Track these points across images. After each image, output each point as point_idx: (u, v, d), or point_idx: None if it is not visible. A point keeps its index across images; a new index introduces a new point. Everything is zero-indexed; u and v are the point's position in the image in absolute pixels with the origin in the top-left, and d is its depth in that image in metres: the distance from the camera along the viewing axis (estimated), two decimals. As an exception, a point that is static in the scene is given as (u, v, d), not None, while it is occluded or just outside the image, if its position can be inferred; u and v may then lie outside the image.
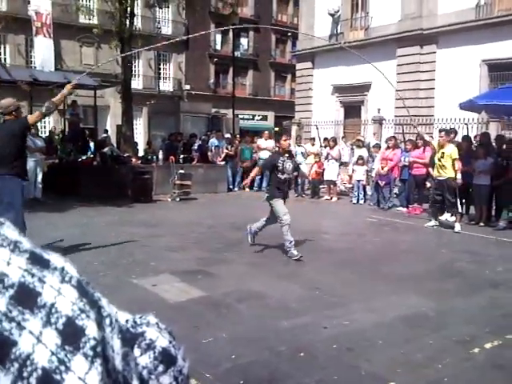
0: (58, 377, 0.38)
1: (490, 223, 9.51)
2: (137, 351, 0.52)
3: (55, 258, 0.45)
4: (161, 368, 0.53)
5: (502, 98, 9.51)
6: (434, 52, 18.06)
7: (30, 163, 9.33)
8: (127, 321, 0.54)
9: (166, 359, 0.54)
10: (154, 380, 0.53)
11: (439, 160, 9.03)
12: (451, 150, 8.96)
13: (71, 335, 0.41)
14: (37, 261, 0.43)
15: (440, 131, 9.97)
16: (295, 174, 13.89)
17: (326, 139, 14.85)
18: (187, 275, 5.60)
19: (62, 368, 0.39)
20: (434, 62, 18.06)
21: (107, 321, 0.46)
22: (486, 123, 14.69)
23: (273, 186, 6.98)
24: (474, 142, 11.15)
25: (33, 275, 0.42)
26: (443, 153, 8.95)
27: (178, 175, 12.44)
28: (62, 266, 0.44)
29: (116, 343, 0.46)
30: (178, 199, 12.18)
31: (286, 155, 6.94)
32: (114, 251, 6.58)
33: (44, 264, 0.43)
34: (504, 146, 10.02)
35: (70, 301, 0.42)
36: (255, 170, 8.35)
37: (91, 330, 0.42)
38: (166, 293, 4.97)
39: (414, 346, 3.82)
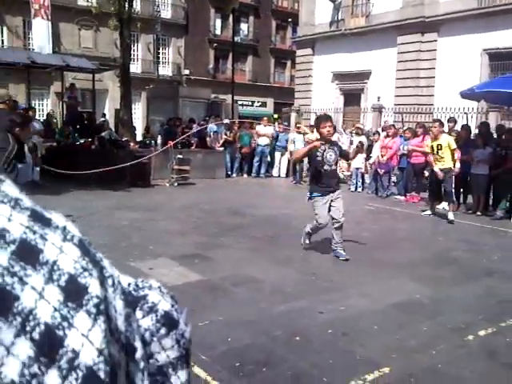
0: (60, 333, 0.39)
1: (487, 213, 9.54)
2: (139, 313, 0.53)
3: (56, 217, 0.45)
4: (163, 331, 0.54)
5: (502, 87, 9.46)
6: (435, 40, 17.96)
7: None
8: (129, 284, 0.54)
9: (168, 322, 0.54)
10: (157, 342, 0.53)
11: (436, 153, 8.75)
12: (447, 141, 8.73)
13: (74, 292, 0.40)
14: (38, 219, 0.43)
15: (434, 121, 9.60)
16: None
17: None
18: (185, 259, 5.62)
19: (65, 324, 0.39)
20: (435, 50, 17.97)
21: (109, 281, 0.45)
22: (486, 113, 14.68)
23: (313, 181, 6.16)
24: (473, 131, 11.14)
25: (34, 232, 0.41)
26: (439, 145, 8.66)
27: (176, 160, 12.42)
28: (64, 225, 0.44)
29: (118, 304, 0.46)
30: (176, 184, 12.17)
31: (327, 144, 6.03)
32: (112, 235, 6.59)
33: (45, 222, 0.43)
34: (503, 136, 10.02)
35: (72, 259, 0.42)
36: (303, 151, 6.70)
37: (94, 287, 0.42)
38: (164, 276, 4.98)
39: (408, 332, 3.85)
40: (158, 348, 0.53)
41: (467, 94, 9.96)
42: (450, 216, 8.73)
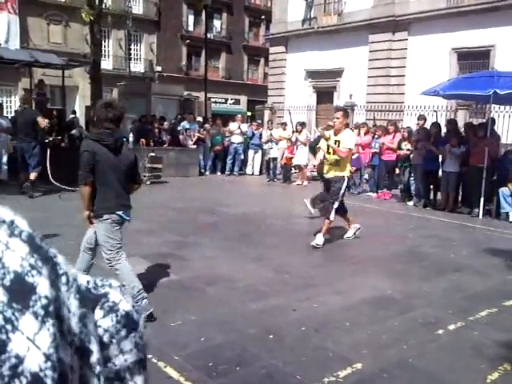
0: (3, 336, 0.36)
1: (456, 209, 9.74)
2: (99, 313, 0.50)
3: (3, 211, 0.42)
4: (123, 332, 0.51)
5: (466, 88, 9.63)
6: (406, 39, 18.21)
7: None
8: (88, 281, 0.51)
9: (129, 324, 0.52)
10: (115, 345, 0.50)
11: (329, 153, 6.66)
12: (348, 137, 6.66)
13: (20, 292, 0.38)
14: None
15: (336, 110, 7.30)
16: (273, 156, 13.99)
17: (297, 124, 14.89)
18: (156, 258, 5.56)
19: (9, 327, 0.36)
20: (406, 49, 18.22)
21: (63, 279, 0.43)
22: (455, 111, 14.97)
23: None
24: (443, 129, 11.34)
25: None
26: (338, 141, 6.57)
27: (148, 158, 12.28)
28: (12, 220, 0.41)
29: (73, 303, 0.43)
30: (148, 182, 12.03)
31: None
32: (81, 235, 6.45)
33: None
34: (464, 133, 10.23)
35: (19, 256, 0.39)
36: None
37: (43, 287, 0.39)
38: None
39: (380, 328, 3.90)
40: (117, 351, 0.51)
41: (429, 94, 10.12)
42: (319, 240, 6.41)
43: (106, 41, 29.17)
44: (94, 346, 0.45)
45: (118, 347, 0.51)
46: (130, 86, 20.19)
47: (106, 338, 0.50)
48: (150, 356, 3.24)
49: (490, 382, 3.11)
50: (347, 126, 7.11)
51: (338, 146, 6.57)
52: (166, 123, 14.73)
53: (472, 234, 7.97)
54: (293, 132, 15.06)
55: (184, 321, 3.86)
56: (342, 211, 6.96)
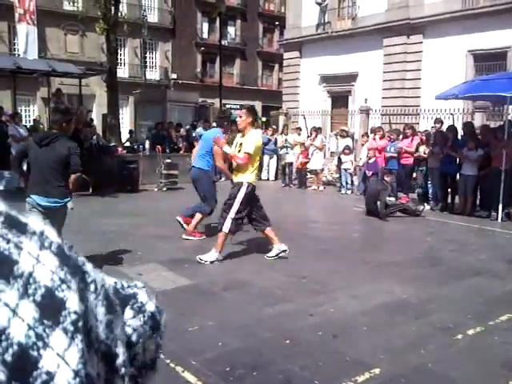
0: (35, 353, 0.36)
1: (475, 213, 9.62)
2: (129, 312, 0.52)
3: (33, 222, 0.41)
4: (149, 332, 0.53)
5: (483, 90, 9.53)
6: (421, 42, 18.11)
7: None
8: (116, 282, 0.53)
9: (153, 324, 0.54)
10: (141, 344, 0.52)
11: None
12: (249, 140, 5.82)
13: (50, 308, 0.38)
14: (13, 224, 0.40)
15: (242, 109, 6.33)
16: (289, 161, 14.00)
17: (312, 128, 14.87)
18: (174, 264, 5.60)
19: (40, 344, 0.36)
20: (421, 52, 18.12)
21: (92, 287, 0.43)
22: (472, 113, 14.83)
23: None
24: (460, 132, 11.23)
25: (8, 241, 0.38)
26: (241, 144, 5.91)
27: (164, 165, 12.38)
28: (41, 230, 0.41)
29: (100, 311, 0.44)
30: (164, 189, 12.14)
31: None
32: (100, 241, 6.54)
33: (21, 228, 0.40)
34: (480, 136, 10.09)
35: (49, 270, 0.39)
36: None
37: (72, 302, 0.39)
38: (153, 281, 4.95)
39: (397, 333, 3.87)
40: (142, 350, 0.53)
41: (446, 97, 10.03)
42: (209, 256, 5.68)
43: (122, 49, 29.51)
44: (120, 349, 0.47)
45: (144, 346, 0.53)
46: (145, 93, 20.42)
47: (134, 338, 0.51)
48: (168, 361, 3.28)
49: (510, 388, 3.07)
50: (253, 125, 6.06)
51: (240, 151, 5.82)
52: (182, 130, 14.86)
53: (491, 238, 7.86)
54: (307, 137, 15.07)
55: (201, 326, 3.88)
56: (256, 224, 6.05)
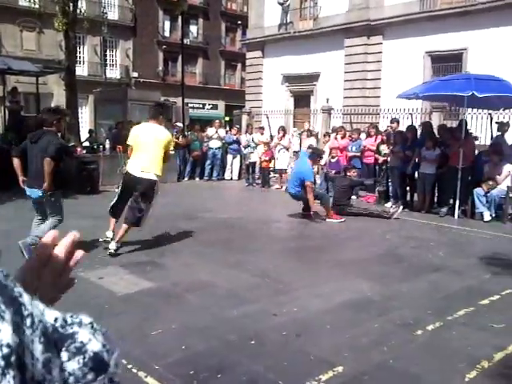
0: None
1: (432, 210, 9.88)
2: (64, 355, 0.47)
3: None
4: (90, 376, 0.48)
5: (443, 90, 9.79)
6: (381, 43, 18.47)
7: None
8: (56, 319, 0.48)
9: (97, 366, 0.49)
10: None
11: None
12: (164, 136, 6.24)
13: None
14: None
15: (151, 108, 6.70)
16: (253, 161, 14.05)
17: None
18: (136, 267, 5.51)
19: None
20: (381, 52, 18.48)
21: (28, 321, 0.40)
22: (429, 113, 15.22)
23: None
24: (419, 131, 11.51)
25: None
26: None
27: (125, 165, 12.15)
28: None
29: (37, 348, 0.40)
30: (126, 189, 11.92)
31: None
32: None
33: None
34: (439, 135, 10.39)
35: None
36: None
37: (5, 334, 0.36)
38: (114, 285, 4.86)
39: (360, 330, 3.92)
40: None
41: (407, 96, 10.25)
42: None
43: (81, 47, 28.87)
44: None
45: None
46: (105, 92, 20.02)
47: (71, 382, 0.46)
48: (130, 366, 3.21)
49: (468, 381, 3.15)
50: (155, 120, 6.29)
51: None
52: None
53: (448, 235, 8.09)
54: (271, 136, 15.13)
55: (164, 329, 3.83)
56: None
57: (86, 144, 14.69)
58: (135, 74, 31.19)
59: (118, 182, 11.90)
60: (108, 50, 30.67)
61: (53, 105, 25.69)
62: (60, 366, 0.45)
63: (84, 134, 17.15)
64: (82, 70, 27.44)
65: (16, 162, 5.43)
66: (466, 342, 3.73)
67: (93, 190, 11.26)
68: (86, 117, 26.82)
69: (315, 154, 9.48)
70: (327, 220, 8.78)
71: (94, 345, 0.49)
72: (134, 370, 3.17)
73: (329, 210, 8.92)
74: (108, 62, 30.73)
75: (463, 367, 3.31)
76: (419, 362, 3.41)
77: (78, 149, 12.70)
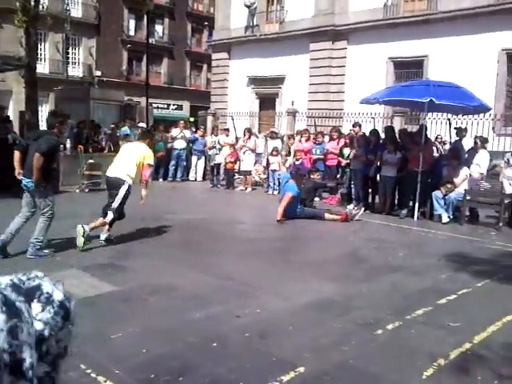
0: None
1: (393, 212, 10.10)
2: (37, 307, 0.50)
3: None
4: (60, 323, 0.52)
5: (403, 95, 10.03)
6: (345, 48, 18.77)
7: None
8: (12, 280, 0.50)
9: (64, 313, 0.53)
10: (54, 336, 0.51)
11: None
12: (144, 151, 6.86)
13: None
14: None
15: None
16: (218, 162, 14.05)
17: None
18: (97, 269, 5.40)
19: None
20: (345, 57, 18.78)
21: None
22: (391, 117, 15.56)
23: None
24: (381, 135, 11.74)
25: None
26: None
27: (87, 165, 11.93)
28: None
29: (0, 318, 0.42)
30: (86, 190, 11.68)
31: None
32: (15, 244, 6.16)
33: None
34: (400, 139, 10.63)
35: None
36: None
37: None
38: (74, 288, 4.73)
39: (321, 331, 3.96)
40: (54, 341, 0.51)
41: (368, 101, 10.45)
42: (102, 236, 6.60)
43: (43, 44, 28.16)
44: (26, 354, 0.45)
45: (56, 337, 0.51)
46: (67, 90, 19.60)
47: (46, 332, 0.50)
48: (89, 371, 3.15)
49: (425, 379, 3.23)
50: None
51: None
52: (103, 130, 14.39)
53: (408, 236, 8.29)
54: (236, 138, 15.12)
55: (125, 333, 3.76)
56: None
57: None
58: (98, 73, 30.63)
59: (79, 182, 11.73)
60: (70, 48, 30.02)
61: (11, 103, 24.96)
62: (30, 323, 0.48)
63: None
64: (42, 68, 26.75)
65: (16, 154, 5.90)
66: (424, 341, 3.83)
67: (53, 190, 10.96)
68: (46, 115, 26.17)
69: (297, 174, 9.84)
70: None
71: (58, 294, 0.53)
72: (93, 375, 3.11)
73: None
74: (70, 59, 30.07)
75: (421, 365, 3.40)
76: (379, 361, 3.47)
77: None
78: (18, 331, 0.44)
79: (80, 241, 6.14)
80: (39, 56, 26.05)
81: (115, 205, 6.59)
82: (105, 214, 6.62)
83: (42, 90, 17.38)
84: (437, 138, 12.55)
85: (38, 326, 0.49)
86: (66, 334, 0.53)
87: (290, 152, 13.23)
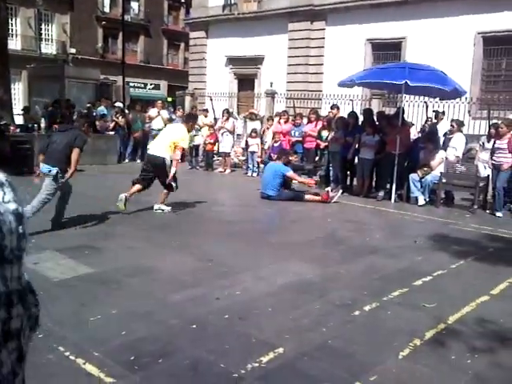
0: None
1: (370, 194, 10.21)
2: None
3: None
4: (20, 230, 0.60)
5: (380, 77, 10.04)
6: (324, 29, 18.66)
7: None
8: None
9: (18, 219, 0.60)
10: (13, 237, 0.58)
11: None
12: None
13: None
14: None
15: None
16: (197, 144, 13.96)
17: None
18: (73, 251, 5.33)
19: None
20: (323, 38, 18.68)
21: None
22: (369, 100, 15.63)
23: None
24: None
25: None
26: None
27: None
28: None
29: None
30: (63, 171, 11.47)
31: None
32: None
33: None
34: (377, 122, 10.69)
35: None
36: None
37: None
38: (50, 271, 4.69)
39: (301, 312, 4.01)
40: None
41: (345, 83, 10.45)
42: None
43: (14, 19, 27.27)
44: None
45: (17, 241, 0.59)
46: (41, 68, 19.06)
47: (20, 210, 0.60)
48: (67, 353, 3.13)
49: (401, 358, 3.31)
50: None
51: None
52: (78, 109, 14.08)
53: (385, 218, 8.40)
54: (215, 119, 14.99)
55: (104, 315, 3.74)
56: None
57: (21, 122, 13.95)
58: (73, 51, 29.85)
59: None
60: (43, 24, 29.13)
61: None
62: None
63: (17, 112, 16.30)
64: (14, 44, 25.95)
65: (41, 157, 6.29)
66: (401, 321, 3.91)
67: (29, 170, 10.73)
68: (19, 93, 25.45)
69: (282, 154, 9.93)
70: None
71: (12, 205, 0.61)
72: (72, 357, 3.09)
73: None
74: (43, 36, 29.21)
75: (397, 345, 3.47)
76: (357, 341, 3.54)
77: (12, 127, 12.04)
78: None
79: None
80: (10, 32, 25.24)
81: (167, 179, 7.43)
82: (165, 187, 7.54)
83: (14, 67, 16.89)
84: (427, 121, 12.51)
85: (12, 206, 0.58)
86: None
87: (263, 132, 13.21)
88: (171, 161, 7.48)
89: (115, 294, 4.22)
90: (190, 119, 8.24)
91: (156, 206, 7.68)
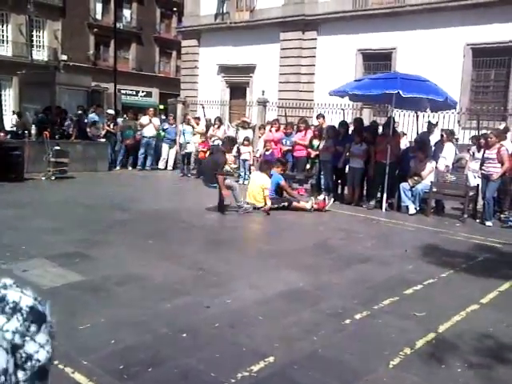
0: None
1: (361, 203, 10.25)
2: (1, 318, 0.50)
3: None
4: (33, 328, 0.53)
5: (369, 88, 10.06)
6: (315, 38, 18.78)
7: None
8: None
9: (36, 318, 0.54)
10: (30, 341, 0.51)
11: None
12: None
13: None
14: None
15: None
16: (189, 151, 13.93)
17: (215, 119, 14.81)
18: (63, 259, 5.29)
19: None
20: (315, 48, 18.79)
21: None
22: (360, 109, 15.72)
23: None
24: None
25: None
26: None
27: (53, 152, 11.62)
28: None
29: None
30: (53, 178, 11.40)
31: None
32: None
33: None
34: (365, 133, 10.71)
35: None
36: None
37: None
38: (39, 278, 4.64)
39: (291, 321, 4.00)
40: (36, 347, 0.52)
41: (337, 93, 10.49)
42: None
43: (5, 25, 27.18)
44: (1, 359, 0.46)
45: (35, 342, 0.52)
46: (32, 74, 18.97)
47: (17, 340, 0.50)
48: (56, 362, 3.09)
49: (392, 367, 3.31)
50: None
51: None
52: (68, 116, 14.02)
53: (376, 227, 8.43)
54: (206, 126, 14.99)
55: (93, 323, 3.71)
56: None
57: (13, 129, 13.86)
58: (64, 57, 29.77)
59: (45, 169, 11.43)
60: (35, 31, 29.05)
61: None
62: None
63: (8, 118, 16.20)
64: (5, 50, 25.87)
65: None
66: (391, 330, 3.91)
67: (17, 177, 10.67)
68: (9, 100, 25.31)
69: (278, 162, 10.08)
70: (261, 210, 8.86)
71: (27, 300, 0.54)
72: (61, 366, 3.06)
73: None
74: (35, 43, 29.11)
75: (388, 354, 3.47)
76: (347, 350, 3.53)
77: (2, 134, 11.96)
78: None
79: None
80: (1, 38, 25.19)
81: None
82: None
83: (4, 73, 16.83)
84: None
85: (7, 335, 0.49)
86: (47, 337, 0.52)
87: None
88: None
89: (105, 303, 4.18)
90: (229, 144, 9.44)
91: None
